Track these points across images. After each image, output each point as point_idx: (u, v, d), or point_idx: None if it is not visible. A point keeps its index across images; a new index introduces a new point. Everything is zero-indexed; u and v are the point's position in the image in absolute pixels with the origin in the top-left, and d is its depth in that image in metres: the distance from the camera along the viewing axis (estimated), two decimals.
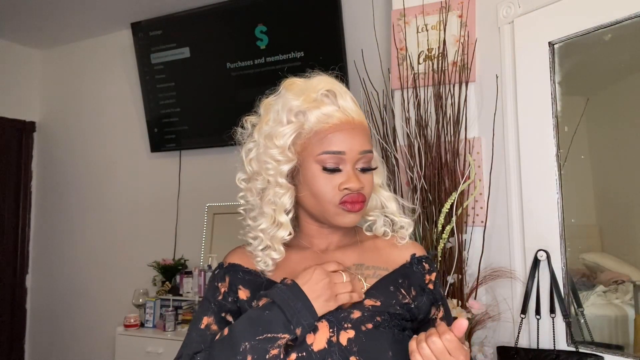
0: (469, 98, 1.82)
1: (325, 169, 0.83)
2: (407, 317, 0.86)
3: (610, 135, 1.84)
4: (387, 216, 0.95)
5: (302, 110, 0.83)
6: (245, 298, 0.86)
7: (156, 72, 3.06)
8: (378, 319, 0.81)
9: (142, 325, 2.79)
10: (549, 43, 1.64)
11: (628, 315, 1.66)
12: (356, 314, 0.81)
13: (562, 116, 1.65)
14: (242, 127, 0.93)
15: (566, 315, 1.60)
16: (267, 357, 0.74)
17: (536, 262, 1.66)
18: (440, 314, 0.93)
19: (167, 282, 2.86)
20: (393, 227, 0.95)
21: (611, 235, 1.88)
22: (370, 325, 0.81)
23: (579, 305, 1.66)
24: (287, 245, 0.90)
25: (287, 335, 0.75)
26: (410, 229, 0.95)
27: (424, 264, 0.93)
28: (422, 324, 0.91)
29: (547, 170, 1.64)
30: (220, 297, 0.88)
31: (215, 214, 2.97)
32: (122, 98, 3.32)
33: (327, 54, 2.51)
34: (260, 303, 0.79)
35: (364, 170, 0.86)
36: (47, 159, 3.64)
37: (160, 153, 3.14)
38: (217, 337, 0.81)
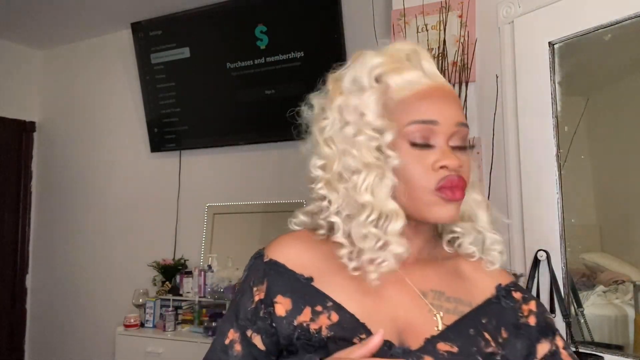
0: (469, 98, 1.82)
1: (414, 144, 0.65)
2: None
3: (610, 135, 1.84)
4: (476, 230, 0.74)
5: (383, 72, 0.69)
6: (284, 314, 0.65)
7: (156, 72, 3.06)
8: None
9: (142, 325, 2.79)
10: (549, 43, 1.64)
11: (628, 315, 1.66)
12: (426, 359, 0.63)
13: (562, 116, 1.65)
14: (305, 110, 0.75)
15: (566, 315, 1.60)
16: None
17: (536, 262, 1.66)
18: (560, 345, 0.71)
19: (167, 282, 2.86)
20: (483, 245, 0.74)
21: (611, 235, 1.88)
22: None
23: (579, 305, 1.66)
24: None
25: None
26: (503, 250, 0.74)
27: (513, 294, 0.73)
28: None
29: (547, 170, 1.64)
30: (252, 307, 0.68)
31: (215, 214, 2.97)
32: (122, 98, 3.32)
33: (327, 54, 2.51)
34: None
35: (460, 148, 0.68)
36: (47, 159, 3.64)
37: (160, 153, 3.14)
38: None
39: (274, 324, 0.66)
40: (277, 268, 0.69)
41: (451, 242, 0.76)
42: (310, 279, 0.68)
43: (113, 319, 3.03)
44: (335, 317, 0.64)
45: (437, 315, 0.67)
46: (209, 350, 0.70)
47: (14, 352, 3.47)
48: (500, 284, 0.73)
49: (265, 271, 0.69)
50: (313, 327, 0.64)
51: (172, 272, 2.89)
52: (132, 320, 2.76)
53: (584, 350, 1.55)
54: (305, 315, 0.65)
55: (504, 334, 0.69)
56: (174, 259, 2.96)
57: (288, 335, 0.64)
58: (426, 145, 0.66)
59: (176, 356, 2.57)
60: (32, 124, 3.66)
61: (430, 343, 0.64)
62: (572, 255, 1.65)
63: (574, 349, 1.57)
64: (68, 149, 3.54)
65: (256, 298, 0.68)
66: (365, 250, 0.65)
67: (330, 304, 0.65)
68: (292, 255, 0.70)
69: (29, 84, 3.66)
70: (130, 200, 3.25)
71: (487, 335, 0.67)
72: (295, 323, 0.65)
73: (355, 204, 0.66)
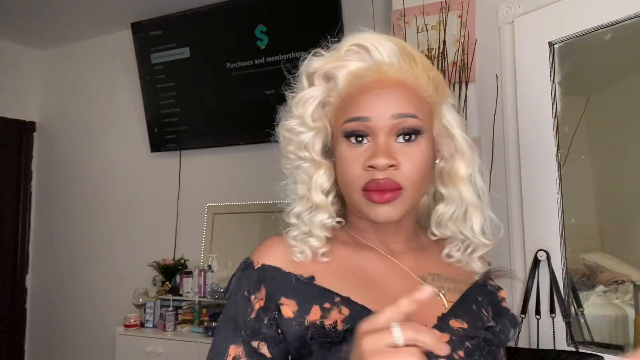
0: (469, 98, 1.82)
1: (349, 142, 0.66)
2: (496, 342, 0.70)
3: (610, 135, 1.84)
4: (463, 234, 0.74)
5: (327, 71, 0.68)
6: (292, 315, 0.64)
7: (156, 72, 3.06)
8: (467, 345, 0.66)
9: (142, 325, 2.79)
10: (549, 43, 1.64)
11: (628, 315, 1.66)
12: (445, 338, 0.65)
13: (562, 116, 1.65)
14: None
15: (566, 315, 1.60)
16: None
17: (536, 262, 1.66)
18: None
19: (167, 282, 2.86)
20: (466, 250, 0.74)
21: (611, 235, 1.88)
22: (462, 353, 0.64)
23: (579, 305, 1.66)
24: (344, 242, 0.72)
25: None
26: (484, 251, 0.75)
27: (490, 281, 0.79)
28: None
29: (547, 170, 1.64)
30: (252, 316, 0.65)
31: (215, 214, 2.97)
32: (122, 98, 3.32)
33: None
34: None
35: (407, 140, 0.65)
36: (47, 159, 3.64)
37: (160, 153, 3.14)
38: None
39: (280, 330, 0.64)
40: (272, 272, 0.67)
41: (438, 226, 0.75)
42: (312, 278, 0.67)
43: (113, 319, 3.03)
44: (346, 310, 0.64)
45: (441, 294, 0.69)
46: None
47: (14, 352, 3.47)
48: (485, 270, 0.77)
49: (260, 277, 0.67)
50: (328, 323, 0.63)
51: (172, 272, 2.89)
52: (132, 320, 2.76)
53: (584, 350, 1.55)
54: (315, 314, 0.64)
55: (491, 313, 0.74)
56: (174, 259, 2.96)
57: (300, 337, 0.63)
58: (360, 143, 0.65)
59: (176, 356, 2.57)
60: (32, 124, 3.66)
61: (443, 321, 0.67)
62: (572, 255, 1.65)
63: (574, 349, 1.57)
64: (68, 149, 3.54)
65: (256, 306, 0.66)
66: (295, 236, 0.69)
67: (337, 299, 0.65)
68: (284, 257, 0.69)
69: (29, 84, 3.66)
70: (130, 200, 3.25)
71: (484, 311, 0.72)
72: (307, 323, 0.63)
73: (294, 195, 0.71)
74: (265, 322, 0.65)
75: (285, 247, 0.70)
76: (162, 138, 3.10)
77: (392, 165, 0.63)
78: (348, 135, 0.66)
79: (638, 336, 1.60)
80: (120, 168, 3.31)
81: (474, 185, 0.72)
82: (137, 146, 3.25)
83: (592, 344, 1.62)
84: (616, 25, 1.50)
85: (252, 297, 0.66)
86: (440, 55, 1.84)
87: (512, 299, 1.74)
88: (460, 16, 1.85)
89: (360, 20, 2.43)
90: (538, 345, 1.63)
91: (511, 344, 1.69)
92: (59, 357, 3.39)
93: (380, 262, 0.71)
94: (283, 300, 0.65)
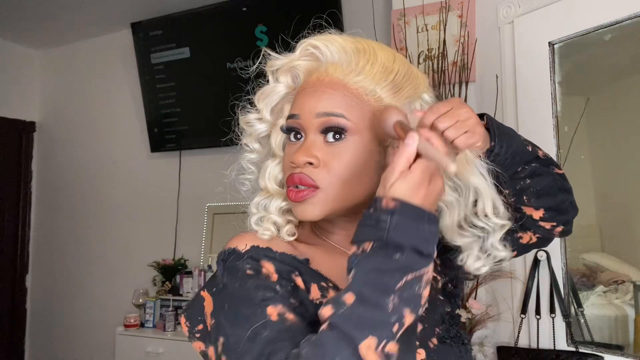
0: (469, 98, 1.82)
1: (294, 138, 0.68)
2: (456, 309, 0.74)
3: (610, 135, 1.84)
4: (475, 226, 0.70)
5: (286, 69, 0.71)
6: (303, 286, 0.64)
7: (156, 72, 3.06)
8: (437, 330, 0.68)
9: (142, 325, 2.79)
10: (549, 43, 1.64)
11: (628, 315, 1.66)
12: (418, 327, 0.66)
13: (562, 116, 1.65)
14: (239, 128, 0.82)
15: (566, 315, 1.60)
16: (422, 302, 0.53)
17: (536, 262, 1.66)
18: None
19: (167, 282, 2.86)
20: (487, 249, 0.70)
21: (611, 235, 1.88)
22: (435, 341, 0.67)
23: (579, 305, 1.66)
24: (313, 245, 0.72)
25: (430, 267, 0.54)
26: (503, 232, 0.71)
27: None
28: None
29: None
30: (274, 279, 0.62)
31: (215, 214, 2.97)
32: (122, 98, 3.32)
33: None
34: (370, 245, 0.53)
35: (337, 140, 0.65)
36: (47, 159, 3.64)
37: (160, 153, 3.14)
38: (329, 313, 0.52)
39: (300, 299, 0.62)
40: (265, 252, 0.65)
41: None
42: (307, 261, 0.68)
43: (113, 319, 3.03)
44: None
45: None
46: (244, 350, 0.57)
47: (14, 352, 3.47)
48: None
49: (254, 257, 0.64)
50: (326, 295, 0.65)
51: (172, 272, 2.89)
52: (132, 320, 2.76)
53: (584, 350, 1.55)
54: (315, 292, 0.64)
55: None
56: (174, 259, 2.96)
57: (313, 314, 0.61)
58: (298, 140, 0.67)
59: (176, 356, 2.57)
60: (32, 124, 3.66)
61: None
62: (572, 255, 1.66)
63: (574, 349, 1.57)
64: (68, 149, 3.54)
65: (274, 276, 0.62)
66: (256, 221, 0.71)
67: (331, 284, 0.67)
68: (272, 241, 0.68)
69: (29, 84, 3.66)
70: (130, 200, 3.25)
71: (434, 272, 0.74)
72: (315, 302, 0.63)
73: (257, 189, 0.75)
74: (289, 288, 0.62)
75: (255, 235, 0.69)
76: (162, 138, 3.10)
77: (310, 163, 0.64)
78: (287, 131, 0.68)
79: (638, 336, 1.60)
80: (120, 168, 3.31)
81: (478, 166, 0.68)
82: (137, 146, 3.25)
83: (592, 344, 1.62)
84: (616, 25, 1.50)
85: (262, 269, 0.63)
86: (440, 55, 1.85)
87: (512, 299, 1.74)
88: (460, 16, 1.85)
89: (360, 20, 2.43)
90: (538, 345, 1.63)
91: (511, 344, 1.69)
92: (59, 357, 3.39)
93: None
94: (296, 273, 0.64)
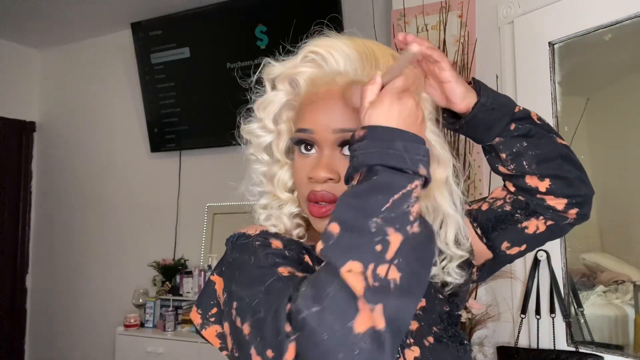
0: None
1: (305, 150, 0.67)
2: (456, 309, 0.73)
3: (610, 135, 1.84)
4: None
5: (287, 77, 0.69)
6: (311, 265, 0.65)
7: (156, 72, 3.06)
8: (435, 329, 0.68)
9: (142, 325, 2.79)
10: (549, 43, 1.64)
11: (628, 315, 1.66)
12: (414, 325, 0.67)
13: (562, 116, 1.65)
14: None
15: (566, 315, 1.60)
16: (411, 218, 0.51)
17: (536, 262, 1.66)
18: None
19: (167, 282, 2.85)
20: (443, 262, 0.73)
21: (611, 235, 1.88)
22: (431, 339, 0.67)
23: (579, 305, 1.66)
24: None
25: (416, 183, 0.52)
26: (459, 262, 0.73)
27: None
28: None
29: None
30: (282, 248, 0.65)
31: (215, 214, 2.97)
32: (122, 98, 3.32)
33: None
34: (356, 179, 0.54)
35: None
36: (47, 159, 3.64)
37: (160, 153, 3.14)
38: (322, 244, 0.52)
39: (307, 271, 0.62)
40: (273, 235, 0.68)
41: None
42: (313, 247, 0.65)
43: (113, 319, 3.03)
44: None
45: None
46: (258, 299, 0.57)
47: (14, 352, 3.47)
48: None
49: (266, 237, 0.66)
50: None
51: (172, 272, 2.89)
52: (132, 320, 2.76)
53: (584, 350, 1.55)
54: None
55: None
56: (174, 259, 2.96)
57: None
58: (309, 151, 0.67)
59: (176, 356, 2.57)
60: (32, 124, 3.66)
61: None
62: (572, 255, 1.66)
63: (574, 349, 1.57)
64: (68, 149, 3.54)
65: (281, 245, 0.65)
66: (265, 218, 0.72)
67: None
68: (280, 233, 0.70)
69: (29, 84, 3.66)
70: (130, 200, 3.25)
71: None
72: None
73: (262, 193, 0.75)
74: (297, 257, 0.64)
75: (263, 227, 0.71)
76: (162, 138, 3.10)
77: (330, 179, 0.64)
78: (297, 143, 0.67)
79: (638, 336, 1.60)
80: (120, 168, 3.31)
81: (450, 191, 0.69)
82: (137, 146, 3.25)
83: (592, 344, 1.62)
84: (616, 25, 1.50)
85: (271, 241, 0.66)
86: None
87: (512, 299, 1.74)
88: (460, 16, 1.85)
89: (360, 20, 2.43)
90: (538, 345, 1.63)
91: (511, 344, 1.69)
92: (59, 357, 3.39)
93: None
94: (302, 255, 0.66)
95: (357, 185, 0.53)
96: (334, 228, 0.51)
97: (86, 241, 3.38)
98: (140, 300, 2.82)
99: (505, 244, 0.78)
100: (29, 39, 3.49)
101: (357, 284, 0.47)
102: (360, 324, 0.46)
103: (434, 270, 0.73)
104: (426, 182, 0.54)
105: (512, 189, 0.78)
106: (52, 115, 3.65)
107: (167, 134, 3.08)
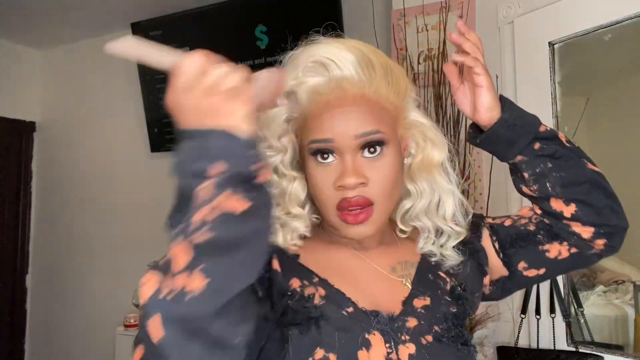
0: None
1: (317, 161, 0.67)
2: (463, 312, 0.72)
3: (610, 135, 1.84)
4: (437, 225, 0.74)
5: (289, 88, 0.68)
6: (279, 270, 0.67)
7: (156, 72, 3.06)
8: (436, 328, 0.68)
9: None
10: (549, 43, 1.64)
11: (628, 315, 1.67)
12: (412, 323, 0.67)
13: (562, 116, 1.65)
14: None
15: (566, 315, 1.60)
16: (191, 227, 0.50)
17: None
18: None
19: None
20: (441, 239, 0.75)
21: None
22: (430, 338, 0.67)
23: (579, 305, 1.66)
24: (319, 238, 0.74)
25: (203, 185, 0.52)
26: (457, 240, 0.75)
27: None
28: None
29: None
30: None
31: None
32: (122, 98, 3.31)
33: None
34: None
35: (372, 153, 0.66)
36: (47, 159, 3.64)
37: (160, 153, 3.14)
38: None
39: (269, 276, 0.65)
40: None
41: (404, 222, 0.77)
42: (297, 256, 0.71)
43: (113, 319, 3.03)
44: (322, 291, 0.67)
45: (405, 282, 0.72)
46: None
47: (14, 352, 3.47)
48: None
49: None
50: (308, 292, 0.67)
51: None
52: (132, 320, 2.76)
53: (584, 350, 1.55)
54: (295, 283, 0.68)
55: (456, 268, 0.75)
56: None
57: (283, 292, 0.65)
58: (326, 160, 0.66)
59: None
60: (32, 124, 3.66)
61: (407, 304, 0.69)
62: None
63: (574, 349, 1.57)
64: (68, 149, 3.54)
65: None
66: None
67: (316, 279, 0.69)
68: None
69: (29, 84, 3.65)
70: (130, 200, 3.25)
71: (442, 274, 0.73)
72: (290, 286, 0.66)
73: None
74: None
75: None
76: (162, 138, 3.10)
77: (361, 183, 0.65)
78: (314, 153, 0.67)
79: (638, 336, 1.60)
80: (120, 168, 3.31)
81: (446, 173, 0.73)
82: (137, 146, 3.24)
83: (592, 344, 1.62)
84: (616, 25, 1.50)
85: None
86: (440, 55, 1.85)
87: (512, 299, 1.74)
88: (460, 16, 1.85)
89: (360, 20, 2.43)
90: (538, 345, 1.63)
91: (511, 344, 1.69)
92: (59, 357, 3.39)
93: (353, 258, 0.73)
94: (274, 256, 0.67)
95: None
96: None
97: (86, 241, 3.38)
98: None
99: (522, 264, 0.77)
100: (29, 39, 3.49)
101: (145, 293, 0.51)
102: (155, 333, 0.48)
103: (432, 247, 0.75)
104: (240, 172, 0.51)
105: (539, 211, 0.77)
106: (52, 115, 3.65)
107: (167, 134, 3.08)
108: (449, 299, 0.72)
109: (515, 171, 0.76)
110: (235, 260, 0.49)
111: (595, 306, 1.72)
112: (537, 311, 1.64)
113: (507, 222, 0.80)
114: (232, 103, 0.52)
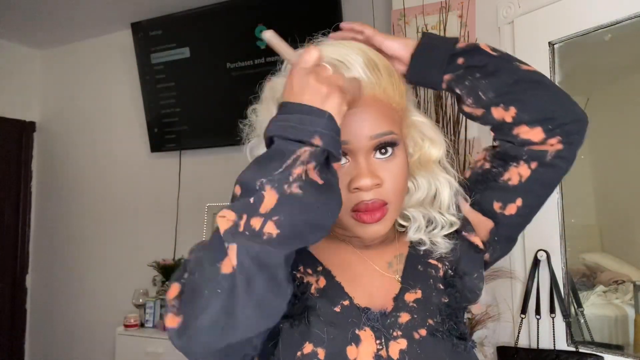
0: None
1: None
2: (454, 302, 0.70)
3: (610, 135, 1.84)
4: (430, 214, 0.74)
5: None
6: None
7: (156, 72, 3.06)
8: (430, 321, 0.67)
9: (142, 325, 2.79)
10: (549, 43, 1.64)
11: (628, 315, 1.67)
12: (404, 318, 0.66)
13: None
14: (244, 122, 0.81)
15: (566, 315, 1.60)
16: (290, 179, 0.54)
17: (536, 262, 1.66)
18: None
19: (167, 282, 2.85)
20: (432, 228, 0.74)
21: (611, 235, 1.88)
22: (424, 332, 0.66)
23: (579, 305, 1.66)
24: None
25: (305, 149, 0.55)
26: (451, 229, 0.74)
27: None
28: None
29: None
30: None
31: (215, 214, 2.97)
32: (122, 98, 3.31)
33: None
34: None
35: (383, 154, 0.67)
36: (47, 159, 3.64)
37: (160, 153, 3.14)
38: None
39: None
40: None
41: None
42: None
43: (113, 319, 3.03)
44: (322, 282, 0.68)
45: (398, 277, 0.71)
46: None
47: (14, 352, 3.47)
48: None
49: None
50: (307, 279, 0.69)
51: (172, 272, 2.88)
52: (132, 320, 2.76)
53: (584, 350, 1.55)
54: (299, 271, 0.69)
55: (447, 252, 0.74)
56: (174, 259, 2.96)
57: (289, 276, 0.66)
58: (345, 164, 0.66)
59: (176, 356, 2.56)
60: (32, 124, 3.66)
61: (399, 299, 0.68)
62: (572, 255, 1.66)
63: (574, 349, 1.57)
64: (68, 149, 3.54)
65: None
66: None
67: (320, 268, 0.70)
68: None
69: (29, 84, 3.65)
70: (130, 200, 3.25)
71: (432, 261, 0.73)
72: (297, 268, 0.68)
73: None
74: None
75: None
76: (162, 138, 3.10)
77: (377, 185, 0.65)
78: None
79: (638, 336, 1.60)
80: (120, 168, 3.31)
81: (442, 168, 0.74)
82: (137, 146, 3.24)
83: (592, 344, 1.62)
84: (616, 25, 1.50)
85: None
86: None
87: (512, 299, 1.74)
88: (460, 16, 1.85)
89: (360, 20, 2.43)
90: (538, 345, 1.63)
91: (511, 344, 1.69)
92: (59, 357, 3.39)
93: (353, 255, 0.74)
94: None
95: (262, 153, 0.58)
96: (237, 190, 0.57)
97: (86, 241, 3.38)
98: (140, 300, 2.82)
99: (496, 205, 0.74)
100: (29, 39, 3.49)
101: (222, 226, 0.52)
102: (227, 266, 0.50)
103: (422, 236, 0.74)
104: (326, 151, 0.56)
105: (492, 133, 0.75)
106: (52, 115, 3.65)
107: (167, 134, 3.08)
108: (442, 287, 0.71)
109: (455, 97, 0.75)
110: (307, 219, 0.55)
111: (595, 306, 1.72)
112: (537, 311, 1.64)
113: (467, 174, 0.78)
114: (335, 95, 0.58)
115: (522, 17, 1.72)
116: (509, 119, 0.70)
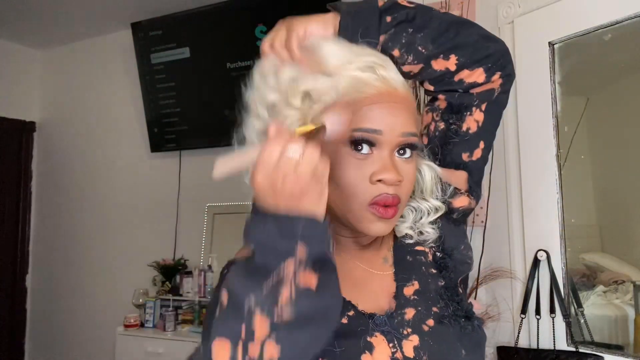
0: None
1: (356, 151, 0.63)
2: (449, 281, 0.70)
3: (610, 135, 1.84)
4: (416, 203, 0.72)
5: (335, 67, 0.65)
6: None
7: (156, 72, 3.06)
8: (435, 309, 0.66)
9: (142, 325, 2.79)
10: (549, 43, 1.64)
11: (628, 315, 1.67)
12: (410, 313, 0.66)
13: (562, 116, 1.65)
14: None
15: (566, 315, 1.60)
16: (280, 302, 0.53)
17: (536, 262, 1.66)
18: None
19: (167, 282, 2.85)
20: (418, 217, 0.73)
21: (611, 235, 1.88)
22: (431, 322, 0.65)
23: (579, 305, 1.66)
24: None
25: (288, 263, 0.53)
26: (435, 216, 0.73)
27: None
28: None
29: (547, 170, 1.64)
30: None
31: (215, 214, 2.97)
32: (122, 98, 3.31)
33: None
34: (248, 250, 0.58)
35: (405, 159, 0.66)
36: (47, 159, 3.64)
37: (160, 153, 3.14)
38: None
39: None
40: None
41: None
42: None
43: (113, 319, 3.03)
44: None
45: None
46: None
47: (14, 352, 3.47)
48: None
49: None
50: None
51: (172, 272, 2.89)
52: (132, 320, 2.76)
53: (584, 350, 1.55)
54: None
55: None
56: (174, 259, 2.96)
57: None
58: (368, 154, 0.63)
59: (176, 356, 2.57)
60: (32, 124, 3.66)
61: (399, 296, 0.68)
62: (572, 255, 1.66)
63: (574, 349, 1.57)
64: (68, 149, 3.54)
65: None
66: None
67: None
68: None
69: (29, 84, 3.65)
70: (130, 200, 3.25)
71: (419, 248, 0.72)
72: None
73: None
74: None
75: None
76: (162, 138, 3.10)
77: (399, 181, 0.64)
78: (356, 142, 0.63)
79: (638, 336, 1.60)
80: (120, 168, 3.31)
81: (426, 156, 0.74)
82: (137, 146, 3.24)
83: (592, 344, 1.62)
84: (616, 25, 1.50)
85: None
86: None
87: (512, 299, 1.74)
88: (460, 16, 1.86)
89: None
90: (538, 345, 1.63)
91: (511, 343, 1.69)
92: (59, 357, 3.39)
93: (351, 260, 0.72)
94: None
95: (247, 258, 0.55)
96: (224, 297, 0.56)
97: (86, 241, 3.38)
98: (140, 300, 2.82)
99: (464, 155, 0.75)
100: (29, 39, 3.49)
101: (220, 358, 0.53)
102: None
103: (408, 230, 0.73)
104: (323, 260, 0.54)
105: (431, 87, 0.74)
106: (52, 115, 3.65)
107: (167, 134, 3.08)
108: (435, 271, 0.71)
109: (394, 59, 0.71)
110: (307, 333, 0.54)
111: (595, 306, 1.72)
112: (537, 311, 1.64)
113: (425, 141, 0.77)
114: (310, 185, 0.54)
115: (522, 17, 1.72)
116: (452, 67, 0.70)
